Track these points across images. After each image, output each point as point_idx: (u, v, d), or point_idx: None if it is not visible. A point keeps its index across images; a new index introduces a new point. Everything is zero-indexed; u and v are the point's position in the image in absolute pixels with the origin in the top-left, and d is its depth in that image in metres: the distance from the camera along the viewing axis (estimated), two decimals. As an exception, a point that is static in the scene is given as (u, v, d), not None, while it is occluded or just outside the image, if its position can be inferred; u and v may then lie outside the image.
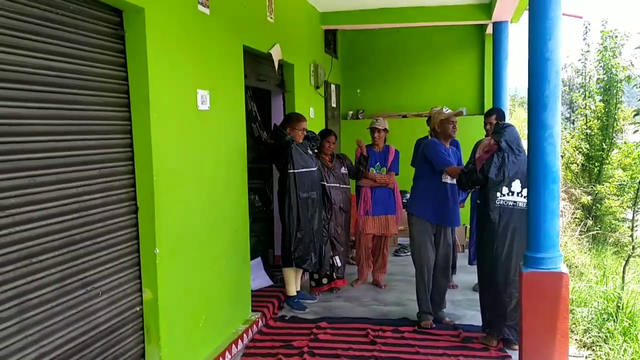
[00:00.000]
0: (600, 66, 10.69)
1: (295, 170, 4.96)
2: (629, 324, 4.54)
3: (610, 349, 4.24)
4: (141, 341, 3.32)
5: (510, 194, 4.09)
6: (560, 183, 3.64)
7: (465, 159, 4.84)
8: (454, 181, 4.65)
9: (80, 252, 2.81)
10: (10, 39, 2.37)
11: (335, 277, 5.77)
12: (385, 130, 5.90)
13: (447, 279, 4.96)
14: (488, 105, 7.80)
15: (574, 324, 4.82)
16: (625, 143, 10.35)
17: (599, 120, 10.57)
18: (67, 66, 2.72)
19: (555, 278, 3.35)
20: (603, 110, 10.46)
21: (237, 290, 4.52)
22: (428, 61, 8.41)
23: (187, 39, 3.63)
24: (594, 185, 10.16)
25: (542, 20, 3.27)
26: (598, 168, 10.47)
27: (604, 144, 10.36)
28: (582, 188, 10.51)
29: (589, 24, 11.36)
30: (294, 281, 5.29)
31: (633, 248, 5.61)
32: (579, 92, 11.56)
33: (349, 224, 5.96)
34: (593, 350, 4.42)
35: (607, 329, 4.50)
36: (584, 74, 11.40)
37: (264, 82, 5.43)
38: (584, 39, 11.27)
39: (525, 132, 3.58)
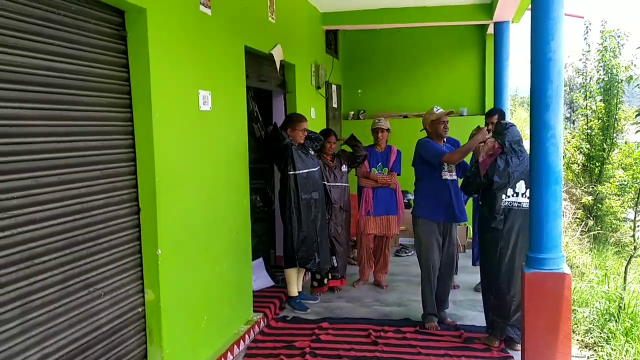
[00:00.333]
0: (601, 66, 10.68)
1: (296, 172, 4.95)
2: (631, 324, 4.54)
3: (612, 349, 4.23)
4: (143, 342, 3.32)
5: (515, 195, 4.08)
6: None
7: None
8: (454, 176, 4.66)
9: (83, 253, 2.81)
10: (11, 40, 2.37)
11: (330, 276, 5.77)
12: (388, 130, 5.91)
13: (452, 279, 4.95)
14: (489, 105, 7.78)
15: (576, 324, 4.82)
16: (626, 143, 10.35)
17: (600, 120, 10.57)
18: (68, 67, 2.71)
19: (558, 279, 3.34)
20: (604, 110, 10.45)
21: (239, 291, 4.52)
22: (429, 61, 8.40)
23: (189, 40, 3.62)
24: (594, 185, 10.15)
25: (544, 20, 3.26)
26: (599, 168, 10.46)
27: (604, 144, 10.35)
28: (582, 188, 10.51)
29: (590, 24, 11.35)
30: (295, 282, 5.29)
31: (635, 248, 5.61)
32: (580, 92, 11.55)
33: (349, 224, 5.95)
34: (595, 350, 4.42)
35: (609, 329, 4.49)
36: (584, 74, 11.39)
37: (265, 82, 5.43)
38: (585, 38, 11.27)
39: (526, 132, 3.57)
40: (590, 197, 10.08)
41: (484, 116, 5.90)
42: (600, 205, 9.98)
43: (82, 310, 2.81)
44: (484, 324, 4.42)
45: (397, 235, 7.03)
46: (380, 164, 5.92)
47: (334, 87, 7.86)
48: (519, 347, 4.00)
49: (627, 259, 5.67)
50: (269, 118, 6.04)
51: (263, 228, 6.29)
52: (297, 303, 5.28)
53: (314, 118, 6.67)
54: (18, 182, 2.41)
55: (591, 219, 9.79)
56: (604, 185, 9.91)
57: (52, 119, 2.62)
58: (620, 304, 4.77)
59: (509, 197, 4.08)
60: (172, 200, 3.38)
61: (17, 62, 2.40)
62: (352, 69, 8.55)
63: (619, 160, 10.22)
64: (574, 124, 13.07)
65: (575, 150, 11.11)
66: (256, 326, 4.70)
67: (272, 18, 5.22)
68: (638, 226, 6.11)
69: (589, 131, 10.75)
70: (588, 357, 4.33)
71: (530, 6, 3.45)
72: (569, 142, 11.28)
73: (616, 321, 4.59)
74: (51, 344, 2.59)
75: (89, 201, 2.86)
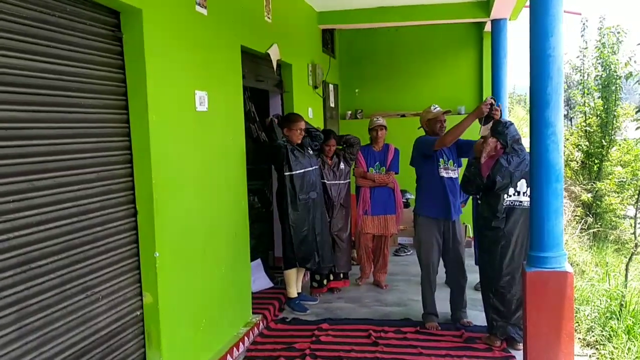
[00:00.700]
0: (599, 63, 10.67)
1: (292, 173, 4.92)
2: (633, 322, 4.52)
3: (614, 347, 4.22)
4: (142, 346, 3.29)
5: (516, 194, 4.06)
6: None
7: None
8: (451, 174, 4.65)
9: (80, 256, 2.78)
10: (5, 42, 2.33)
11: (331, 277, 5.75)
12: (385, 127, 5.89)
13: (465, 278, 4.81)
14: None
15: (577, 322, 4.80)
16: (624, 140, 10.34)
17: (598, 117, 10.56)
18: (64, 68, 2.68)
19: (560, 277, 3.31)
20: (602, 107, 10.44)
21: (238, 293, 4.49)
22: (426, 60, 8.38)
23: (185, 40, 3.59)
24: (594, 183, 10.15)
25: (543, 17, 3.23)
26: (598, 165, 10.46)
27: (603, 141, 10.34)
28: (582, 185, 10.50)
29: (587, 21, 11.36)
30: (294, 283, 5.26)
31: (636, 246, 5.59)
32: (577, 89, 11.54)
33: (349, 221, 5.93)
34: (597, 349, 4.40)
35: (611, 327, 4.48)
36: (582, 70, 11.38)
37: (262, 82, 5.40)
38: (582, 35, 11.27)
39: (524, 130, 3.55)
40: (589, 195, 10.07)
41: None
42: (599, 203, 9.98)
43: (80, 314, 2.78)
44: (485, 324, 4.40)
45: (396, 235, 7.00)
46: (377, 163, 5.90)
47: (331, 86, 7.83)
48: (520, 346, 3.98)
49: (628, 256, 5.65)
50: (266, 118, 6.00)
51: (261, 229, 6.26)
52: (296, 304, 5.25)
53: (312, 118, 6.64)
54: (14, 186, 2.37)
55: (590, 216, 9.78)
56: (603, 182, 9.90)
57: (47, 121, 2.59)
58: (622, 302, 4.75)
59: (510, 196, 4.06)
60: (169, 202, 3.35)
61: (11, 64, 2.36)
62: (349, 69, 8.52)
63: (618, 157, 10.21)
64: (571, 122, 13.07)
65: (573, 148, 11.10)
66: (255, 328, 4.67)
67: (269, 17, 5.19)
68: (638, 223, 6.08)
69: (587, 128, 10.74)
70: (590, 356, 4.32)
71: (528, 3, 3.43)
72: (567, 139, 11.28)
73: (618, 319, 4.58)
74: (49, 349, 2.56)
75: (85, 204, 2.83)
